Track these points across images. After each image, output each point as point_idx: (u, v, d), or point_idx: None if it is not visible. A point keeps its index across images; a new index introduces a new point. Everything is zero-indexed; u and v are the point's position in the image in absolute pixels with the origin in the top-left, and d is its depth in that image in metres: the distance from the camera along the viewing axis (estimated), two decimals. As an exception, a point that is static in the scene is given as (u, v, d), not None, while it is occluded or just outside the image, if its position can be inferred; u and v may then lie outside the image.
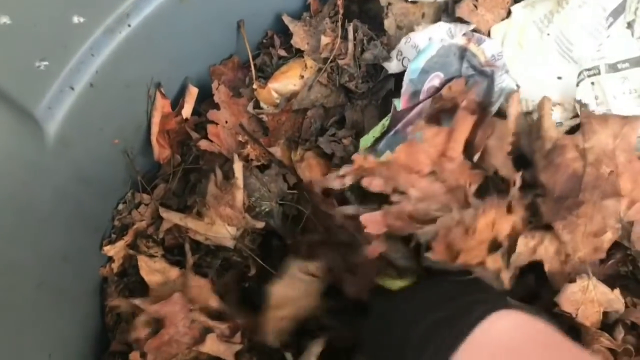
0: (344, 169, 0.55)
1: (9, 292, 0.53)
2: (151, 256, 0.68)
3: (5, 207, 0.53)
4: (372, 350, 0.49)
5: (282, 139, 0.69)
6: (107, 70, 0.59)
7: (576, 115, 0.62)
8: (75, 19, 0.55)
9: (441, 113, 0.57)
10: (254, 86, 0.70)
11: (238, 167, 0.66)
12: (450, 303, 0.43)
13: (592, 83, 0.62)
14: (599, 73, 0.62)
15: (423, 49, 0.58)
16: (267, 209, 0.68)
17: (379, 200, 0.55)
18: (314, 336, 0.58)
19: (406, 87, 0.58)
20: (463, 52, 0.60)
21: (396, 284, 0.53)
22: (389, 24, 0.66)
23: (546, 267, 0.52)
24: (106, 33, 0.58)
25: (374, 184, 0.53)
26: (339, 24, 0.70)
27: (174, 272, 0.67)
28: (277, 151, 0.68)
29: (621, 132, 0.50)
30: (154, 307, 0.63)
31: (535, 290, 0.55)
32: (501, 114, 0.59)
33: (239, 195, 0.65)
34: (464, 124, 0.53)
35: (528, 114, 0.63)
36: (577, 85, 0.62)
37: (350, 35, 0.68)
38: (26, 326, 0.56)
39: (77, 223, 0.64)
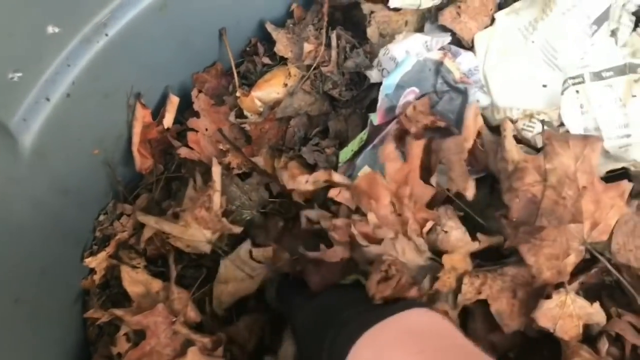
0: (314, 176, 0.55)
1: (-17, 309, 0.53)
2: (134, 267, 0.68)
3: (-21, 221, 0.52)
4: (302, 328, 0.56)
5: (265, 148, 0.69)
6: (84, 80, 0.58)
7: (561, 124, 0.62)
8: (50, 29, 0.54)
9: (406, 134, 0.57)
10: (237, 94, 0.70)
11: (216, 170, 0.65)
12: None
13: (577, 91, 0.62)
14: (583, 81, 0.61)
15: (398, 64, 0.58)
16: (247, 217, 0.67)
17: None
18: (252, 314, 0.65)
19: (382, 102, 0.58)
20: (438, 67, 0.59)
21: (348, 279, 0.56)
22: (371, 32, 0.65)
23: (492, 307, 0.52)
24: (83, 43, 0.57)
25: (341, 196, 0.54)
26: (323, 31, 0.69)
27: (156, 284, 0.66)
28: (260, 160, 0.67)
29: (582, 154, 0.49)
30: (136, 318, 0.62)
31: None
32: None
33: (216, 199, 0.64)
34: (415, 151, 0.54)
35: (513, 122, 0.62)
36: (562, 93, 0.62)
37: (334, 43, 0.68)
38: (2, 342, 0.55)
39: (56, 235, 0.63)
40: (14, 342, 0.56)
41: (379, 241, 0.53)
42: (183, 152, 0.68)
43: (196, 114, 0.69)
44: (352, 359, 0.42)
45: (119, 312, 0.63)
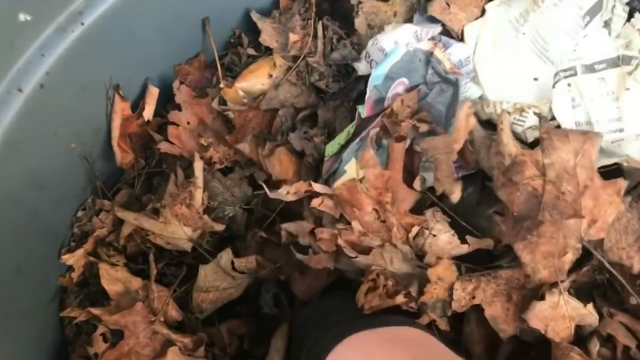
0: (294, 187, 0.53)
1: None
2: (113, 265, 0.66)
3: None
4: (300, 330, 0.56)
5: (250, 136, 0.66)
6: (59, 71, 0.56)
7: (553, 118, 0.60)
8: (22, 17, 0.52)
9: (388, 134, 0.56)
10: (221, 85, 0.68)
11: (198, 165, 0.63)
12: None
13: (569, 84, 0.60)
14: (575, 74, 0.59)
15: (387, 54, 0.56)
16: (230, 214, 0.65)
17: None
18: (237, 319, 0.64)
19: (370, 93, 0.56)
20: (428, 58, 0.58)
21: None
22: (359, 23, 0.63)
23: (486, 312, 0.50)
24: (57, 32, 0.55)
25: (324, 205, 0.53)
26: (310, 21, 0.67)
27: (136, 282, 0.64)
28: (245, 147, 0.65)
29: (582, 149, 0.47)
30: (114, 317, 0.60)
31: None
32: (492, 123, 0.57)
33: (198, 195, 0.62)
34: (397, 154, 0.52)
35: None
36: (554, 86, 0.60)
37: (320, 33, 0.66)
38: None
39: (31, 232, 0.61)
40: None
41: (366, 250, 0.51)
42: (164, 146, 0.66)
43: (178, 107, 0.67)
44: (334, 356, 0.42)
45: (96, 311, 0.61)
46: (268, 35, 0.69)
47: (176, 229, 0.62)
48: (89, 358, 0.62)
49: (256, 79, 0.68)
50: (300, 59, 0.67)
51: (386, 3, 0.64)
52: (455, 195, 0.51)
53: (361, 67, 0.62)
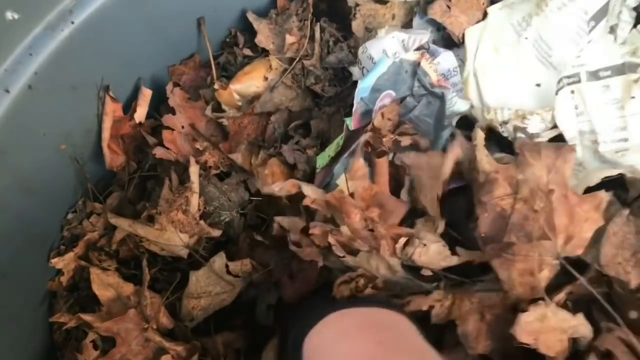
0: (280, 185, 0.53)
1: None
2: (104, 269, 0.64)
3: None
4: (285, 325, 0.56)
5: (244, 144, 0.65)
6: (48, 71, 0.54)
7: (555, 126, 0.59)
8: (9, 15, 0.50)
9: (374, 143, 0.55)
10: (215, 86, 0.66)
11: (194, 170, 0.61)
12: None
13: (572, 91, 0.58)
14: (579, 81, 0.58)
15: (374, 65, 0.54)
16: (226, 219, 0.64)
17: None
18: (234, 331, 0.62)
19: (357, 106, 0.54)
20: (415, 69, 0.56)
21: None
22: (356, 25, 0.62)
23: (458, 329, 0.49)
24: (46, 31, 0.54)
25: (316, 203, 0.52)
26: (307, 22, 0.66)
27: (127, 288, 0.63)
28: (238, 157, 0.64)
29: (555, 165, 0.46)
30: (106, 324, 0.59)
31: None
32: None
33: (194, 201, 0.61)
34: (382, 169, 0.52)
35: (504, 123, 0.59)
36: (557, 93, 0.58)
37: (317, 36, 0.64)
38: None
39: (18, 235, 0.59)
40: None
41: (355, 251, 0.50)
42: (159, 152, 0.64)
43: (172, 110, 0.66)
44: (310, 341, 0.43)
45: (87, 317, 0.60)
46: (264, 36, 0.67)
47: (172, 236, 0.61)
48: (78, 364, 0.61)
49: (251, 81, 0.66)
50: (296, 61, 0.65)
51: (384, 5, 0.62)
52: (441, 226, 0.49)
53: (356, 73, 0.60)
